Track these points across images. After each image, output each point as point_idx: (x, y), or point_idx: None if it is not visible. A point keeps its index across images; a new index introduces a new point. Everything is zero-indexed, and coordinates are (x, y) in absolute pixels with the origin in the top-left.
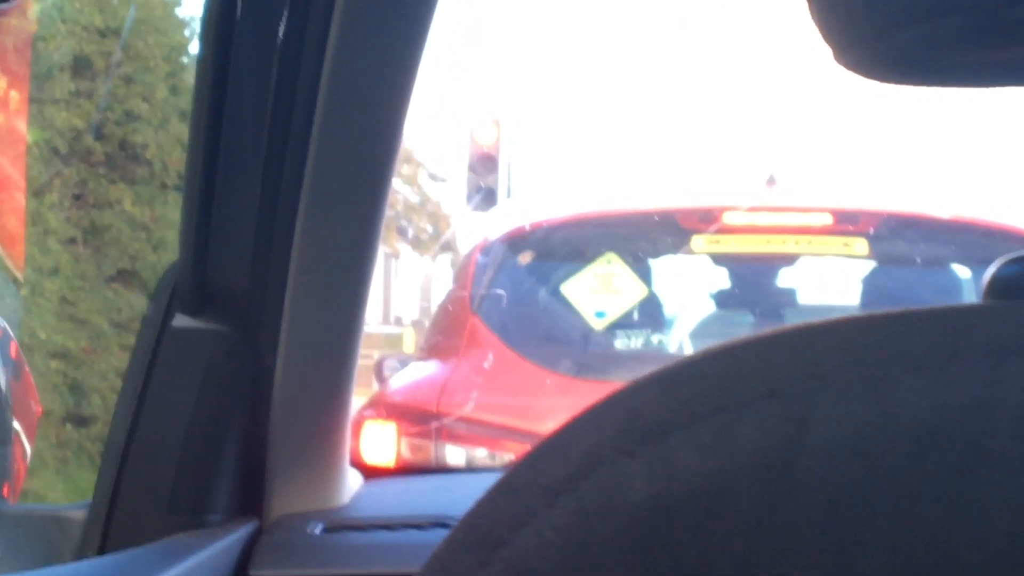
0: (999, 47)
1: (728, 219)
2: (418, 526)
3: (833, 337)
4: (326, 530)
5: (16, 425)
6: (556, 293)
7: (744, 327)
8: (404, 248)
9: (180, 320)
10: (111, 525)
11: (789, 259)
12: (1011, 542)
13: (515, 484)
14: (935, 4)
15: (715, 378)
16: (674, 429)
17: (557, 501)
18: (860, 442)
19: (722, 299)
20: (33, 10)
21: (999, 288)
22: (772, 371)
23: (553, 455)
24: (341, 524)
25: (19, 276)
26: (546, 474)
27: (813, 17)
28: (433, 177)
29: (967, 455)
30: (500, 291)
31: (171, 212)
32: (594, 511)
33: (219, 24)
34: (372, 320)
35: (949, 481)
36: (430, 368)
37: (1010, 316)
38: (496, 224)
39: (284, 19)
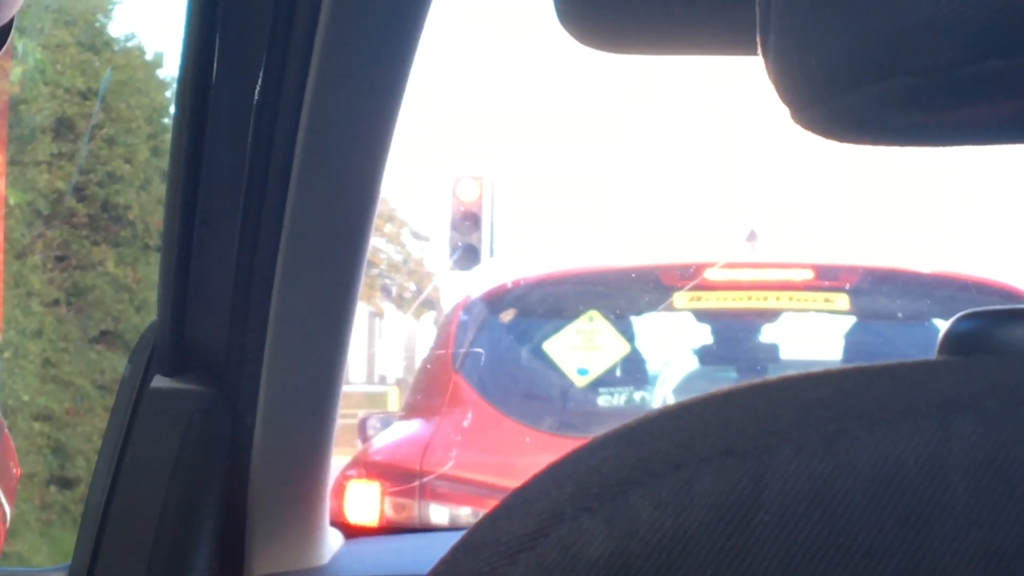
0: (952, 106)
1: (709, 275)
2: None
3: (788, 393)
4: None
5: None
6: (538, 350)
7: (727, 383)
8: (388, 307)
9: (159, 380)
10: None
11: (771, 315)
12: None
13: (477, 542)
14: (887, 64)
15: (673, 435)
16: (633, 486)
17: (518, 558)
18: (816, 497)
19: (705, 355)
20: (15, 72)
21: (953, 344)
22: (729, 428)
23: (514, 513)
24: None
25: None
26: (507, 531)
27: (769, 77)
28: (416, 236)
29: (921, 509)
30: (482, 349)
31: (154, 273)
32: (555, 568)
33: (195, 85)
34: (356, 379)
35: (903, 535)
36: (413, 427)
37: (962, 371)
38: (478, 282)
39: (260, 79)
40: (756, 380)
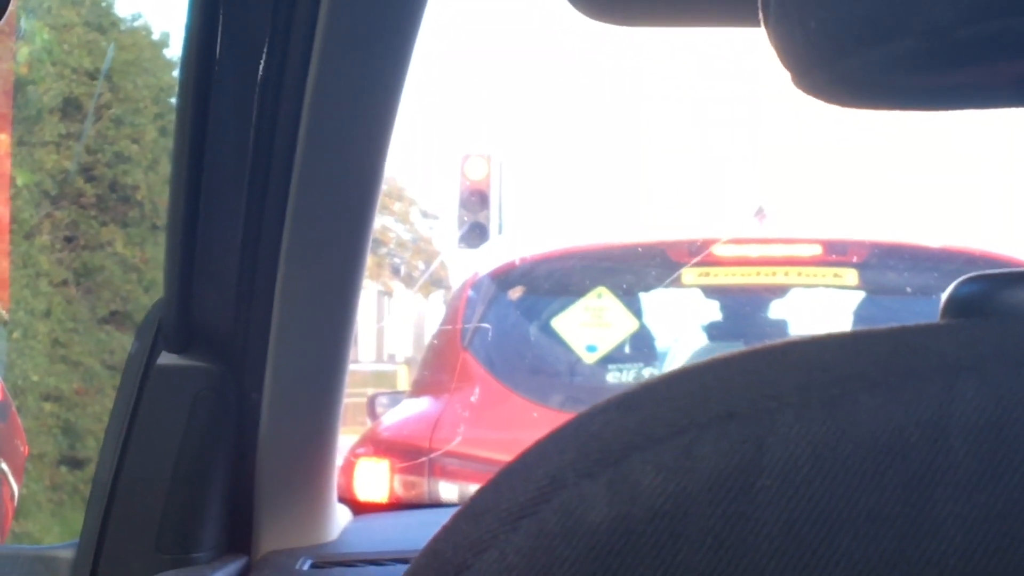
0: (952, 69)
1: (718, 251)
2: (405, 560)
3: (790, 357)
4: (314, 566)
5: (3, 466)
6: (547, 327)
7: None
8: (397, 286)
9: (165, 357)
10: (99, 564)
11: (780, 291)
12: (966, 559)
13: (478, 509)
14: (886, 27)
15: (674, 400)
16: (634, 451)
17: (520, 524)
18: (818, 461)
19: (713, 331)
20: (21, 52)
21: (955, 307)
22: (730, 393)
23: (515, 479)
24: (329, 560)
25: (5, 316)
26: (508, 498)
27: (771, 42)
28: (425, 214)
29: (923, 472)
30: (491, 326)
31: (162, 253)
32: (556, 533)
33: (199, 63)
34: (366, 358)
35: (905, 498)
36: (422, 404)
37: (965, 334)
38: (486, 259)
39: (263, 58)
40: (758, 345)
